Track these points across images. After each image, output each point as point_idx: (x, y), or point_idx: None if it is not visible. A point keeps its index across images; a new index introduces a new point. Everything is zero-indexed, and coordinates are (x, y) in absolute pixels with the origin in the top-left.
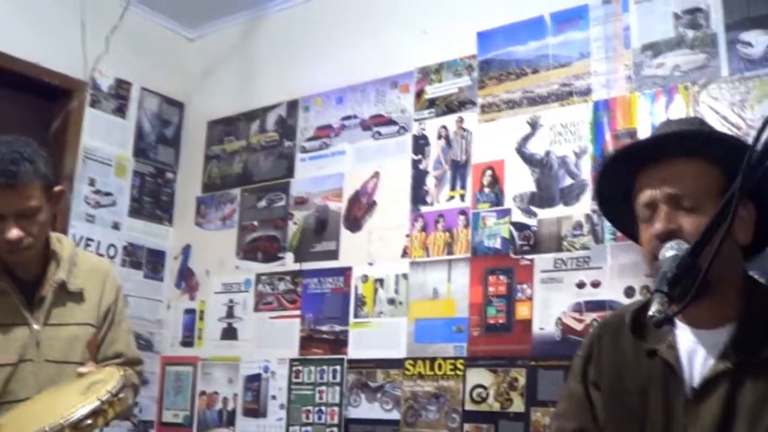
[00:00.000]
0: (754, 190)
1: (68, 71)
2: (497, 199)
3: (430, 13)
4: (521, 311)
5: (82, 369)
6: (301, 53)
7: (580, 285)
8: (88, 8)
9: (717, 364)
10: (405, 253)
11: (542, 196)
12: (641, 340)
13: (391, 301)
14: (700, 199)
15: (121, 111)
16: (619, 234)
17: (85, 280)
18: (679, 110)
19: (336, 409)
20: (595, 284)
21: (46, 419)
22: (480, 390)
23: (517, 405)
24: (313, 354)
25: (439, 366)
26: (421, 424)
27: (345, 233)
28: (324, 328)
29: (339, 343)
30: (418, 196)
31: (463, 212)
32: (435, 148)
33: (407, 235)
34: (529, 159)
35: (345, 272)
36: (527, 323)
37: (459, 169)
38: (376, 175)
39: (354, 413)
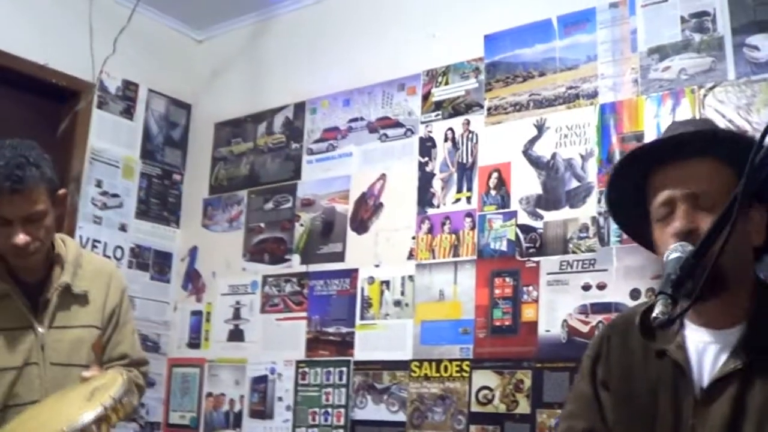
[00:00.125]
0: (766, 192)
1: (76, 73)
2: (503, 202)
3: (438, 16)
4: (527, 313)
5: (86, 373)
6: (308, 55)
7: (586, 287)
8: (96, 10)
9: (726, 364)
10: (411, 255)
11: (548, 199)
12: (650, 341)
13: (398, 303)
14: (717, 199)
15: (128, 112)
16: (624, 236)
17: (90, 282)
18: (685, 113)
19: (342, 410)
20: (601, 286)
21: (50, 426)
22: (486, 392)
23: (523, 407)
24: (319, 356)
25: (445, 368)
26: (427, 425)
27: (351, 235)
28: (330, 329)
29: (345, 344)
30: (425, 198)
31: (469, 214)
32: (441, 150)
33: (413, 237)
34: (535, 161)
35: (351, 274)
36: (533, 325)
37: (465, 171)
38: (383, 177)
39: (360, 415)
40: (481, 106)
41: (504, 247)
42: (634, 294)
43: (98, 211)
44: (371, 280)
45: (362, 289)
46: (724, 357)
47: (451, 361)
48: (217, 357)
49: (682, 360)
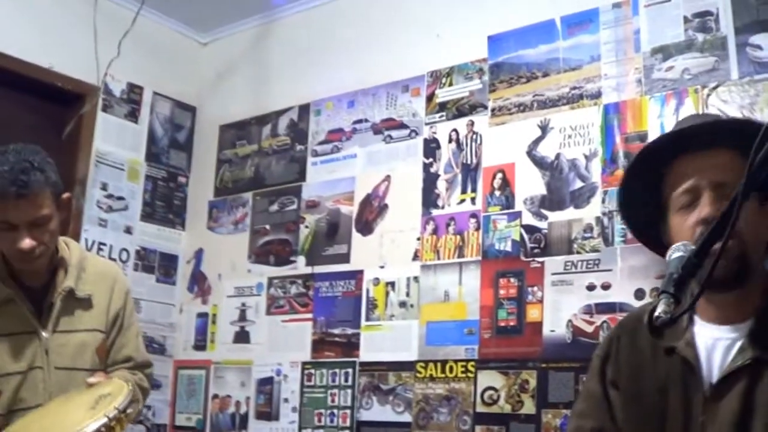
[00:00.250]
0: None
1: (80, 76)
2: (508, 202)
3: (441, 17)
4: (532, 313)
5: (91, 379)
6: (312, 57)
7: (591, 287)
8: (101, 13)
9: (735, 359)
10: (416, 256)
11: (552, 199)
12: (659, 339)
13: (403, 304)
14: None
15: (133, 115)
16: (629, 236)
17: (94, 286)
18: (688, 113)
19: (348, 411)
20: (606, 286)
21: None
22: (491, 392)
23: (528, 407)
24: (325, 357)
25: (451, 368)
26: (433, 426)
27: (356, 236)
28: (336, 331)
29: (351, 346)
30: (429, 199)
31: (473, 215)
32: (446, 151)
33: (418, 239)
34: (539, 162)
35: (356, 275)
36: (538, 325)
37: (470, 172)
38: (388, 178)
39: (366, 416)
40: (485, 107)
41: (509, 248)
42: (639, 294)
43: (103, 214)
44: (376, 281)
45: (367, 291)
46: (733, 353)
47: (456, 361)
48: (223, 359)
49: (692, 357)
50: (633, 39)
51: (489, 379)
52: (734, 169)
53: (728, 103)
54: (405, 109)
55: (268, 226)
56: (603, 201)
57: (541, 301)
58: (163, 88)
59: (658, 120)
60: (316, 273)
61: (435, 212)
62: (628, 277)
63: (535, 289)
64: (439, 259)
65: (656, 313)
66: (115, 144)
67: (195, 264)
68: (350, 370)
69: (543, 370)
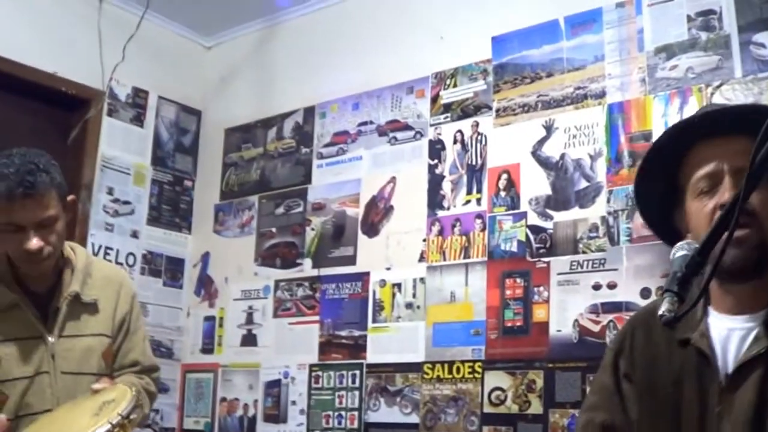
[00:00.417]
0: None
1: (85, 81)
2: (513, 203)
3: (445, 18)
4: (538, 313)
5: (96, 385)
6: (317, 60)
7: (597, 287)
8: (105, 18)
9: (750, 348)
10: (422, 258)
11: (558, 199)
12: (672, 330)
13: (409, 306)
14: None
15: (138, 120)
16: (634, 235)
17: (100, 291)
18: (693, 112)
19: (355, 413)
20: (612, 286)
21: None
22: (498, 392)
23: (536, 407)
24: (332, 359)
25: (458, 369)
26: (441, 427)
27: (362, 238)
28: (343, 333)
29: (358, 347)
30: (435, 200)
31: (479, 216)
32: (451, 152)
33: (424, 240)
34: (544, 162)
35: (363, 277)
36: (544, 325)
37: (475, 173)
38: (393, 180)
39: (373, 417)
40: (490, 108)
41: (514, 248)
42: (645, 293)
43: (110, 219)
44: (383, 283)
45: (374, 292)
46: (748, 342)
47: (463, 362)
48: (231, 362)
49: (706, 348)
50: (636, 38)
51: (496, 379)
52: None
53: (732, 101)
54: (410, 110)
55: (274, 229)
56: (608, 201)
57: (547, 301)
58: (168, 92)
59: (663, 119)
60: (323, 275)
61: (440, 213)
62: (634, 276)
63: (541, 289)
64: (445, 260)
65: (660, 312)
66: (121, 148)
67: (202, 267)
68: (357, 372)
69: (550, 370)
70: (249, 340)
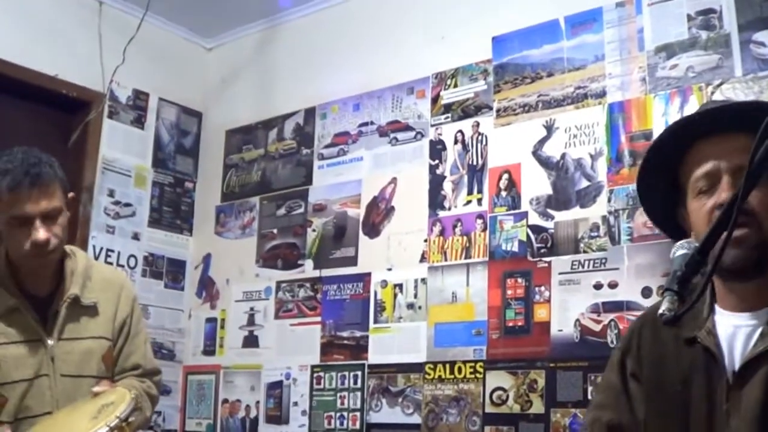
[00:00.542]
0: None
1: (86, 83)
2: (514, 203)
3: (445, 19)
4: (539, 313)
5: (96, 388)
6: (317, 61)
7: (598, 286)
8: (105, 20)
9: (757, 345)
10: (423, 258)
11: (559, 199)
12: (677, 327)
13: (411, 306)
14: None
15: (139, 122)
16: (635, 235)
17: (100, 293)
18: (693, 111)
19: (358, 414)
20: (613, 285)
21: None
22: (500, 392)
23: (537, 406)
24: (334, 360)
25: (459, 369)
26: (442, 427)
27: (363, 239)
28: (344, 334)
29: (359, 348)
30: (436, 200)
31: (480, 216)
32: (452, 152)
33: (425, 240)
34: (545, 162)
35: (364, 278)
36: (546, 325)
37: (476, 173)
38: (394, 180)
39: (375, 418)
40: (490, 108)
41: (515, 248)
42: (646, 292)
43: (111, 221)
44: (384, 283)
45: (375, 293)
46: (754, 339)
47: (464, 362)
48: (232, 363)
49: (713, 345)
50: (637, 38)
51: (497, 379)
52: None
53: (732, 100)
54: (410, 111)
55: (275, 230)
56: (609, 200)
57: (548, 301)
58: (169, 93)
59: (663, 118)
60: (324, 276)
61: (441, 214)
62: (635, 276)
63: (543, 288)
64: (446, 260)
65: (660, 311)
66: (122, 150)
67: (203, 269)
68: (359, 373)
69: (551, 370)
70: (250, 341)
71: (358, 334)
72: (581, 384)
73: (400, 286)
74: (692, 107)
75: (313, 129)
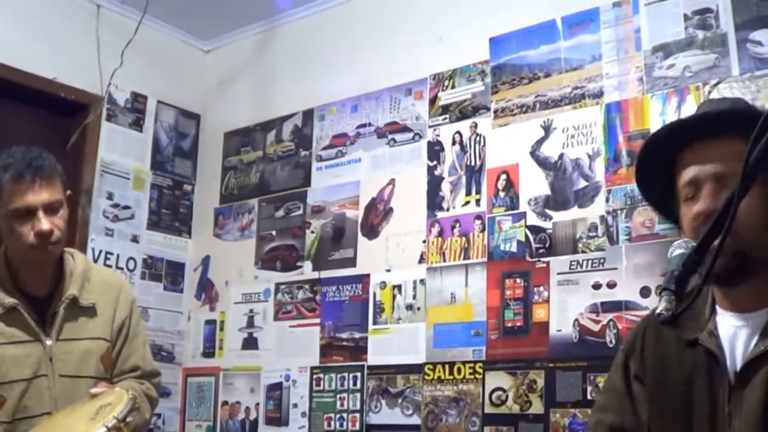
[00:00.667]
0: None
1: (84, 86)
2: (512, 203)
3: (443, 20)
4: (538, 313)
5: (94, 390)
6: (315, 63)
7: (596, 286)
8: (103, 23)
9: (757, 345)
10: (422, 259)
11: (557, 199)
12: (682, 331)
13: (410, 307)
14: None
15: (137, 124)
16: (634, 234)
17: (98, 295)
18: (690, 110)
19: (357, 415)
20: (611, 285)
21: None
22: (499, 393)
23: (536, 407)
24: (333, 361)
25: (459, 370)
26: (442, 428)
27: (362, 240)
28: (343, 335)
29: (359, 349)
30: (434, 201)
31: (478, 217)
32: (450, 153)
33: (424, 241)
34: (543, 162)
35: (363, 279)
36: (544, 325)
37: (474, 174)
38: (392, 182)
39: (375, 419)
40: (488, 109)
41: (514, 249)
42: (644, 292)
43: (110, 223)
44: (383, 284)
45: (374, 294)
46: (755, 339)
47: (464, 363)
48: (232, 365)
49: (714, 347)
50: (634, 38)
51: (497, 379)
52: (737, 158)
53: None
54: (408, 112)
55: (274, 232)
56: (607, 200)
57: (547, 301)
58: (167, 96)
59: (660, 118)
60: (323, 278)
61: (440, 215)
62: (634, 276)
63: (541, 289)
64: (444, 261)
65: (658, 310)
66: (120, 153)
67: (202, 271)
68: (359, 374)
69: (550, 370)
70: (250, 343)
71: (357, 335)
72: (580, 384)
73: (399, 287)
74: (689, 107)
75: (311, 131)
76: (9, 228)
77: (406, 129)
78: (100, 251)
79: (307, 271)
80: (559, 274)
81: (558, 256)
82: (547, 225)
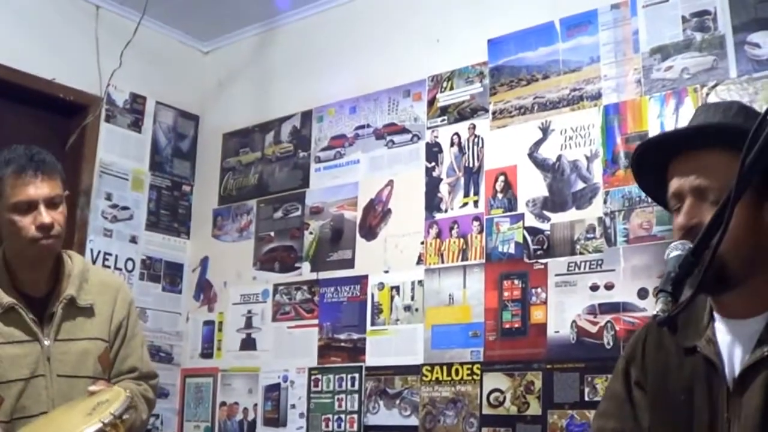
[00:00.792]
0: None
1: (83, 87)
2: (510, 205)
3: (441, 22)
4: (536, 315)
5: (92, 387)
6: (314, 64)
7: (594, 288)
8: (102, 24)
9: (754, 352)
10: (420, 260)
11: (555, 201)
12: (681, 338)
13: (408, 308)
14: (725, 192)
15: (136, 125)
16: (631, 236)
17: (96, 296)
18: (688, 112)
19: (355, 416)
20: (609, 286)
21: None
22: (497, 394)
23: (534, 408)
24: (331, 362)
25: (456, 371)
26: (440, 429)
27: (360, 242)
28: (342, 336)
29: (357, 350)
30: (432, 203)
31: (476, 218)
32: (448, 155)
33: (422, 243)
34: (541, 164)
35: (361, 280)
36: (542, 327)
37: (472, 175)
38: (390, 183)
39: (373, 420)
40: (486, 110)
41: (512, 250)
42: (642, 293)
43: (108, 224)
44: (381, 286)
45: (372, 295)
46: (752, 346)
47: (461, 364)
48: (230, 366)
49: (713, 354)
50: (632, 40)
51: (494, 381)
52: (719, 171)
53: (726, 101)
54: (407, 113)
55: (272, 233)
56: (605, 201)
57: (545, 303)
58: (166, 97)
59: (658, 120)
60: (321, 279)
61: (438, 216)
62: (631, 277)
63: (539, 290)
64: (443, 262)
65: (654, 312)
66: (119, 154)
67: (200, 272)
68: (357, 375)
69: (548, 371)
70: (248, 344)
71: (355, 336)
72: (578, 385)
73: (397, 288)
74: (687, 109)
75: (309, 132)
76: (10, 222)
77: (404, 130)
78: (99, 252)
79: (305, 272)
80: (556, 275)
81: (556, 258)
82: (545, 226)
